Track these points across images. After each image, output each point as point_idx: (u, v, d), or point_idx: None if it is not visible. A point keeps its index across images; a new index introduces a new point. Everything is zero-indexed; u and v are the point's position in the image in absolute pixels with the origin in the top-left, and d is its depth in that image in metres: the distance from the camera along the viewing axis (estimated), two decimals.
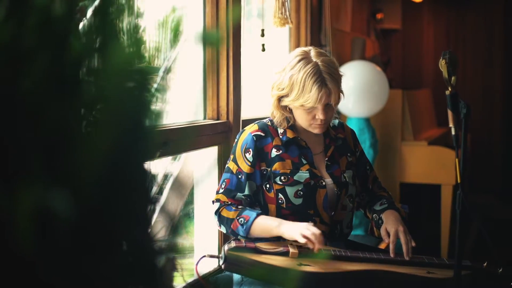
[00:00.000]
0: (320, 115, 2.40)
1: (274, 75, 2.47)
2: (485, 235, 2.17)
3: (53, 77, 0.67)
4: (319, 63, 2.38)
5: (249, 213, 2.39)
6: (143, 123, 0.76)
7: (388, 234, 2.42)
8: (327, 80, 2.37)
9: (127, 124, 0.69)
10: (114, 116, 0.68)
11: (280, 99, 2.45)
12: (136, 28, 0.72)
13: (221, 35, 2.84)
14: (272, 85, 2.46)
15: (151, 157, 0.84)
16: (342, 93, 2.49)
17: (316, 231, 2.28)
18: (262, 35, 3.24)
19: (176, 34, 0.87)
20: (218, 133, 3.07)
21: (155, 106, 0.83)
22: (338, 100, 2.45)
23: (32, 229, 0.59)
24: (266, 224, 2.37)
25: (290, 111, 2.48)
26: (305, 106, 2.38)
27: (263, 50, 3.25)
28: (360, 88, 4.51)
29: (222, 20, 3.03)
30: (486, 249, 3.83)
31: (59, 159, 0.64)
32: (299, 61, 2.40)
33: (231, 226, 2.40)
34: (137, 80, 0.72)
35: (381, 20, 6.83)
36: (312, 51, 2.44)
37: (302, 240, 2.27)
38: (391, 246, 2.39)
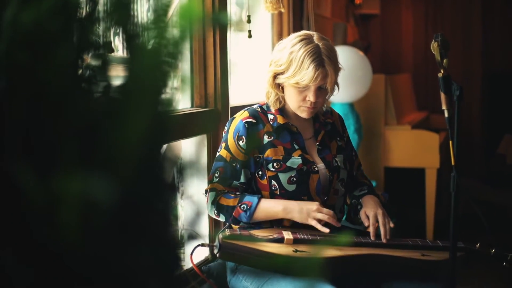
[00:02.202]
0: (311, 97, 2.40)
1: (274, 53, 2.47)
2: (482, 217, 2.18)
3: (77, 62, 0.65)
4: (320, 46, 2.40)
5: (251, 199, 2.38)
6: (164, 108, 0.75)
7: (368, 218, 2.44)
8: (325, 62, 2.39)
9: (153, 109, 0.67)
10: (142, 100, 0.66)
11: (275, 76, 2.45)
12: (163, 11, 0.71)
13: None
14: (270, 62, 2.48)
15: (170, 141, 0.82)
16: (338, 85, 2.51)
17: (328, 211, 2.35)
18: (249, 21, 3.21)
19: (191, 17, 0.84)
20: (207, 121, 3.05)
21: (170, 92, 0.81)
22: (332, 86, 2.45)
23: (76, 219, 0.57)
24: (270, 208, 2.38)
25: (283, 90, 2.48)
26: (299, 84, 2.38)
27: (250, 36, 3.22)
28: (343, 73, 4.48)
29: (208, 6, 3.00)
30: (472, 230, 3.85)
31: (95, 146, 0.62)
32: (301, 40, 2.41)
33: (233, 213, 2.38)
34: (161, 65, 0.71)
35: (359, 6, 6.83)
36: (316, 35, 2.45)
37: (320, 227, 2.34)
38: (371, 229, 2.39)
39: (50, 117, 0.62)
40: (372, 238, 2.38)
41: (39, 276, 0.60)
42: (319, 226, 2.33)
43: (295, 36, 2.45)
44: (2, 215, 0.59)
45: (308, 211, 2.35)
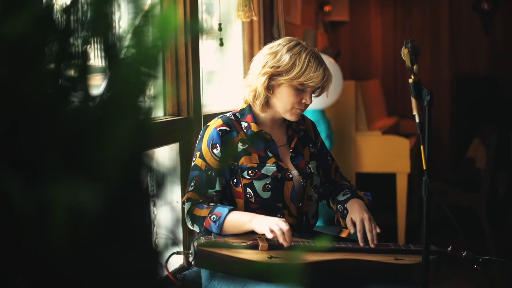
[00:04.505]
0: (308, 99, 2.47)
1: (265, 56, 2.47)
2: (453, 221, 2.21)
3: (58, 72, 0.66)
4: (315, 51, 2.48)
5: (221, 210, 2.37)
6: (145, 116, 0.76)
7: (354, 224, 2.45)
8: (326, 67, 2.47)
9: (134, 117, 0.68)
10: (123, 109, 0.67)
11: (271, 78, 2.46)
12: (141, 20, 0.72)
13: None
14: (264, 64, 2.46)
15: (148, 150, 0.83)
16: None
17: (285, 227, 2.26)
18: (220, 29, 3.23)
19: (166, 26, 0.86)
20: (179, 129, 3.05)
21: (149, 100, 0.82)
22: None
23: (65, 225, 0.58)
24: (239, 219, 2.36)
25: (272, 93, 2.48)
26: (305, 85, 2.43)
27: (221, 44, 3.23)
28: None
29: (180, 12, 3.01)
30: (443, 234, 3.89)
31: (80, 154, 0.63)
32: (297, 44, 2.47)
33: (204, 224, 2.37)
34: (141, 73, 0.72)
35: (329, 13, 6.88)
36: (302, 41, 2.51)
37: (269, 235, 2.26)
38: (358, 235, 2.41)
39: (34, 127, 0.63)
40: (361, 243, 2.40)
41: (30, 281, 0.60)
42: (269, 235, 2.26)
43: (287, 41, 2.49)
44: None
45: (268, 222, 2.29)
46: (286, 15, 4.90)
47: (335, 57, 5.82)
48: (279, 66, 2.43)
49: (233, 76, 4.11)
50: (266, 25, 4.39)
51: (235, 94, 3.93)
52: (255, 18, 3.28)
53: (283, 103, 2.47)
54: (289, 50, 2.44)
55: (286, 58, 2.43)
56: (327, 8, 6.80)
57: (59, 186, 0.59)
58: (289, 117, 2.51)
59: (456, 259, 2.49)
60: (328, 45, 6.57)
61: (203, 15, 3.65)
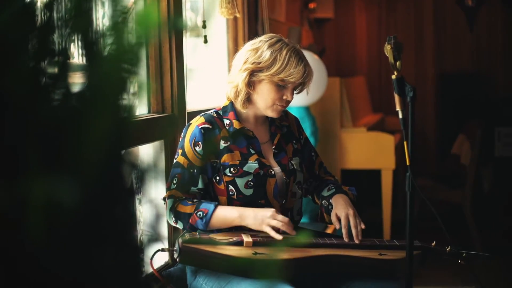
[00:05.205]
0: (289, 96, 2.47)
1: (247, 52, 2.49)
2: (436, 216, 2.22)
3: (38, 69, 0.66)
4: (297, 48, 2.49)
5: (207, 206, 2.37)
6: (125, 114, 0.76)
7: (339, 219, 2.46)
8: (306, 64, 2.47)
9: (113, 115, 0.68)
10: (102, 106, 0.67)
11: (252, 73, 2.47)
12: (120, 17, 0.72)
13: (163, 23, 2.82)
14: (245, 60, 2.47)
15: (128, 147, 0.83)
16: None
17: (283, 218, 2.33)
18: (204, 26, 3.22)
19: (149, 22, 0.86)
20: (164, 127, 3.04)
21: (129, 98, 0.82)
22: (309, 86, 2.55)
23: (42, 221, 0.58)
24: (226, 216, 2.37)
25: (253, 89, 2.49)
26: (285, 81, 2.44)
27: (205, 41, 3.23)
28: None
29: (164, 11, 3.00)
30: (428, 229, 3.91)
31: (58, 151, 0.63)
32: (278, 41, 2.48)
33: (189, 221, 2.37)
34: (119, 71, 0.72)
35: (313, 10, 6.88)
36: (285, 39, 2.52)
37: (273, 234, 2.30)
38: (343, 231, 2.42)
39: (13, 123, 0.63)
40: (345, 239, 2.41)
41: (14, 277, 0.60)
42: (272, 233, 2.31)
43: (269, 37, 2.50)
44: None
45: (262, 218, 2.34)
46: (270, 12, 4.91)
47: (320, 54, 5.83)
48: (260, 62, 2.44)
49: (218, 73, 4.11)
50: (250, 22, 4.39)
51: (220, 91, 3.93)
52: (238, 15, 3.28)
53: (264, 99, 2.48)
54: (270, 46, 2.45)
55: (267, 54, 2.44)
56: (311, 5, 6.81)
57: (35, 182, 0.59)
58: (270, 113, 2.51)
59: (440, 254, 2.51)
60: (313, 42, 6.58)
61: (187, 13, 3.64)
